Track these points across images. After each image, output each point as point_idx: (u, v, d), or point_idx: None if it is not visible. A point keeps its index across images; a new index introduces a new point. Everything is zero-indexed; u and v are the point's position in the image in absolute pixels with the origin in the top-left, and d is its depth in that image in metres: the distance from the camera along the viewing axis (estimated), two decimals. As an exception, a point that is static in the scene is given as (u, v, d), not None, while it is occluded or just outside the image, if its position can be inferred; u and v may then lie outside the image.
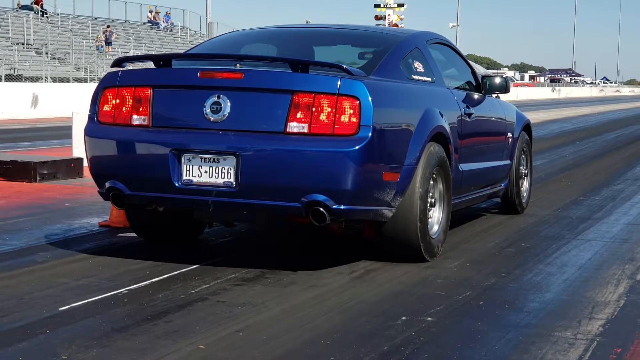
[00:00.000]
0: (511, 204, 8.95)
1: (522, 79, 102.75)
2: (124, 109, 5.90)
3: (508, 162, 8.57)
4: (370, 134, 5.52)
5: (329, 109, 5.46)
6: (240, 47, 7.13)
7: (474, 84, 7.95)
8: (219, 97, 5.67)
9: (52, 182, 10.72)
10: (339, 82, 5.50)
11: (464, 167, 7.28)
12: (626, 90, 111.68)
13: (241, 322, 5.04)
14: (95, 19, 46.55)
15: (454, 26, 79.52)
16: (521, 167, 9.06)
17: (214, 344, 4.63)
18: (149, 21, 48.91)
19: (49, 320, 5.00)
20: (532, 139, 9.63)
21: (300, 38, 7.35)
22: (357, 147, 5.48)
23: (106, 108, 5.99)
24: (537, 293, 5.87)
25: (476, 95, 7.78)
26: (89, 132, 6.15)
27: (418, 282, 6.11)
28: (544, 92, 75.79)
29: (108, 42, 40.48)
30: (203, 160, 5.75)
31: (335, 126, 5.48)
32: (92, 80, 34.10)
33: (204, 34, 51.01)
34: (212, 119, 5.71)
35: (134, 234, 7.44)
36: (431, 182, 6.47)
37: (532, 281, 6.19)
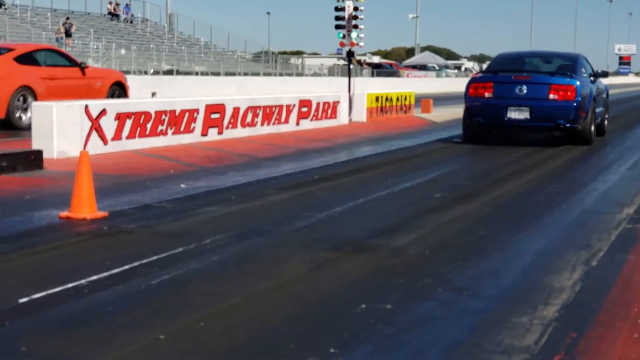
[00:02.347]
0: (603, 128, 18.01)
1: (481, 69, 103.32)
2: (480, 91, 15.26)
3: (602, 108, 17.82)
4: (579, 100, 14.73)
5: (566, 91, 14.65)
6: (516, 62, 16.74)
7: (593, 73, 17.09)
8: (521, 86, 14.92)
9: (11, 175, 10.63)
10: (568, 79, 14.98)
11: (593, 100, 15.91)
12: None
13: (201, 311, 5.07)
14: (55, 10, 46.05)
15: (413, 17, 79.79)
16: (606, 113, 18.81)
17: (174, 334, 4.65)
18: (109, 13, 48.46)
19: (9, 312, 4.99)
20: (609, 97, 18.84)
21: (533, 57, 17.87)
22: (574, 105, 14.69)
23: (471, 90, 15.49)
24: (495, 279, 5.96)
25: (594, 79, 16.80)
26: (467, 100, 15.67)
27: (378, 271, 6.17)
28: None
29: (68, 34, 40.04)
30: (515, 109, 14.89)
31: (568, 96, 14.71)
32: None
33: (164, 26, 50.72)
34: (519, 95, 14.92)
35: (94, 226, 7.45)
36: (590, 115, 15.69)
37: (490, 268, 6.28)
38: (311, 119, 19.74)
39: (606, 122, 18.42)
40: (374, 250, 6.83)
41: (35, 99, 16.43)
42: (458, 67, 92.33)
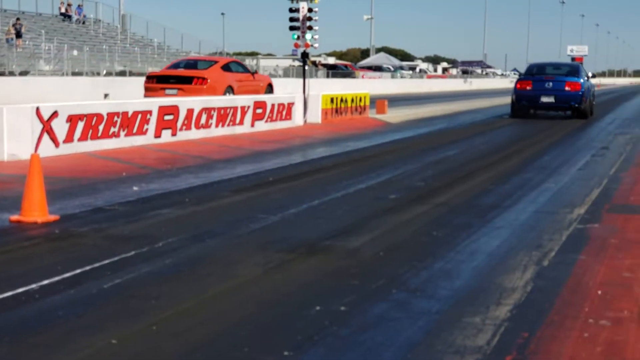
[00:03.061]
0: (592, 109, 27.18)
1: (435, 70, 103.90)
2: (524, 85, 25.70)
3: (593, 96, 27.72)
4: (582, 91, 25.00)
5: (575, 85, 25.16)
6: (541, 69, 27.05)
7: (587, 76, 26.80)
8: (549, 82, 25.22)
9: (-40, 178, 10.46)
10: (576, 79, 25.41)
11: (589, 92, 26.05)
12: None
13: (155, 315, 5.03)
14: (5, 11, 45.35)
15: (368, 18, 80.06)
16: (594, 100, 28.42)
17: (127, 339, 4.61)
18: (60, 14, 47.85)
19: (-42, 318, 4.91)
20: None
21: (551, 66, 27.90)
22: (580, 93, 24.95)
23: (518, 86, 25.94)
24: (448, 280, 6.00)
25: (589, 79, 26.97)
26: (515, 91, 25.98)
27: (332, 272, 6.18)
28: (457, 84, 76.86)
29: (19, 35, 39.46)
30: (546, 96, 25.09)
31: (576, 88, 25.02)
32: (2, 74, 33.23)
33: (117, 26, 50.20)
34: (547, 88, 25.17)
35: (45, 229, 7.37)
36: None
37: (443, 269, 6.32)
38: (266, 121, 19.72)
39: (593, 106, 28.32)
40: (329, 251, 6.84)
41: (233, 94, 23.46)
42: (413, 68, 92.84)
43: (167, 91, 22.61)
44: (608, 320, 5.07)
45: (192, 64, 24.88)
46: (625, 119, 26.39)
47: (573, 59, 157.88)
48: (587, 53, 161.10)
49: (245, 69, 26.34)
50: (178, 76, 23.50)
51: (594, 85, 29.68)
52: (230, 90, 23.83)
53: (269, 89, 27.00)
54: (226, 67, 24.74)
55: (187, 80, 23.20)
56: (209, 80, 23.20)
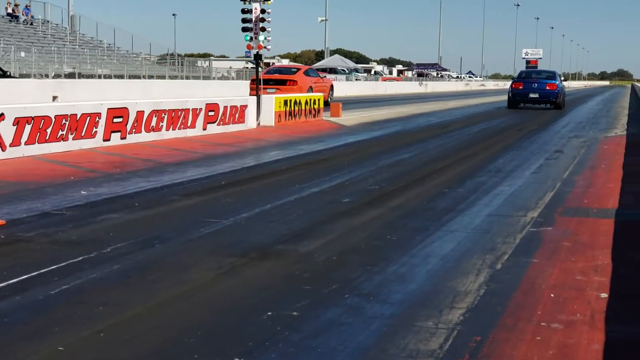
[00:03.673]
0: (564, 103, 36.72)
1: (391, 73, 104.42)
2: (517, 85, 35.99)
3: (564, 94, 37.49)
4: (558, 90, 35.18)
5: (553, 85, 35.31)
6: (529, 74, 37.77)
7: (561, 79, 38.02)
8: (535, 83, 35.40)
9: None
10: (554, 81, 35.69)
11: (562, 91, 36.54)
12: (491, 84, 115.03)
13: (102, 322, 4.92)
14: (-49, 11, 44.64)
15: (322, 20, 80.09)
16: (565, 97, 38.09)
17: (74, 345, 4.50)
18: (7, 14, 47.10)
19: None
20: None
21: (535, 72, 39.40)
22: (557, 91, 35.07)
23: (514, 85, 36.33)
24: (401, 284, 5.95)
25: (562, 82, 38.22)
26: (511, 89, 36.16)
27: (285, 277, 6.10)
28: (412, 87, 77.24)
29: (-35, 35, 38.81)
30: (533, 93, 35.04)
31: (554, 88, 35.14)
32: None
33: (66, 27, 49.57)
34: (534, 87, 35.24)
35: (-10, 234, 7.17)
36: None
37: (397, 273, 6.28)
38: (218, 123, 19.57)
39: (564, 101, 37.71)
40: (281, 256, 6.76)
41: (312, 92, 30.22)
42: (368, 71, 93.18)
43: (268, 90, 28.29)
44: (560, 324, 5.06)
45: (283, 71, 33.76)
46: (579, 122, 26.69)
47: (528, 62, 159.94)
48: (542, 56, 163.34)
49: (317, 74, 35.21)
50: (276, 79, 31.22)
51: (565, 86, 41.65)
52: (310, 89, 31.53)
53: (331, 88, 36.80)
54: (306, 73, 33.53)
55: (282, 82, 31.15)
56: (298, 82, 31.46)
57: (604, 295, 5.71)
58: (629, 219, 8.66)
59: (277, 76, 32.02)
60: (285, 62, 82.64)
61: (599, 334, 4.89)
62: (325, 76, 38.51)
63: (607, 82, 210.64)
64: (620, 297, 5.68)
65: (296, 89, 30.26)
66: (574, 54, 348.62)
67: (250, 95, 25.70)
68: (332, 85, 37.01)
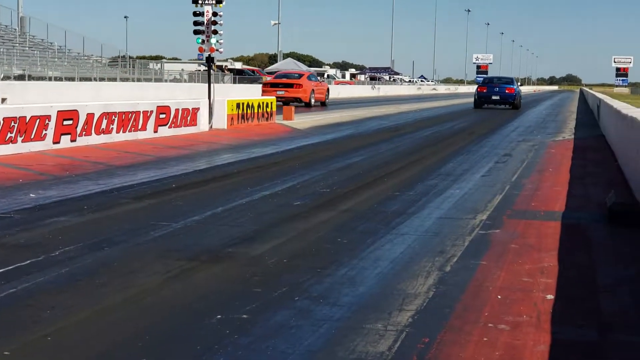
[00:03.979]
0: (520, 104, 43.02)
1: (344, 77, 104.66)
2: (482, 89, 42.60)
3: (520, 97, 43.96)
4: (515, 93, 41.79)
5: (511, 90, 41.86)
6: (492, 79, 45.22)
7: (518, 84, 45.95)
8: (497, 87, 42.08)
9: None
10: (512, 85, 42.82)
11: (519, 94, 43.87)
12: (442, 89, 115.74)
13: (50, 326, 4.87)
14: None
15: (275, 24, 79.97)
16: (521, 99, 44.99)
17: (20, 350, 4.46)
18: (-45, 15, 46.23)
19: None
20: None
21: (497, 78, 46.48)
22: (514, 94, 41.59)
23: (479, 89, 43.02)
24: (351, 287, 5.98)
25: (519, 86, 45.83)
26: (477, 92, 42.84)
27: (235, 280, 6.10)
28: (365, 90, 77.45)
29: None
30: (495, 96, 41.63)
31: (512, 91, 41.58)
32: None
33: (15, 29, 48.83)
34: (495, 91, 41.89)
35: None
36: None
37: (347, 276, 6.30)
38: (170, 126, 19.47)
39: (520, 102, 43.70)
40: (232, 259, 6.75)
41: (314, 94, 38.32)
42: (321, 74, 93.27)
43: (278, 92, 36.44)
44: (507, 325, 5.13)
45: (289, 76, 39.75)
46: (528, 127, 27.00)
47: (478, 67, 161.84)
48: (492, 61, 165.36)
49: (317, 79, 41.91)
50: (284, 83, 38.00)
51: (521, 90, 47.98)
52: (312, 92, 38.30)
53: (328, 91, 41.91)
54: (309, 78, 39.62)
55: (290, 85, 37.81)
56: (302, 85, 37.86)
57: (550, 296, 5.79)
58: (575, 222, 8.79)
59: (284, 80, 38.34)
60: (239, 65, 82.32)
61: (544, 335, 4.97)
62: (323, 81, 46.45)
63: (556, 87, 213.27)
64: (566, 298, 5.77)
65: (301, 91, 37.40)
66: (524, 59, 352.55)
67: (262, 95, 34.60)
68: (328, 89, 42.27)
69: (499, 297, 5.76)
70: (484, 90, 42.31)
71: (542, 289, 6.00)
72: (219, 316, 5.14)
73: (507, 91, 41.69)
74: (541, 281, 6.22)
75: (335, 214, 9.08)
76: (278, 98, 33.35)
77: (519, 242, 7.64)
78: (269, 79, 44.12)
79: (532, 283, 6.17)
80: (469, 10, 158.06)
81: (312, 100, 38.02)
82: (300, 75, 39.65)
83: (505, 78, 45.87)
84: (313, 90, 38.35)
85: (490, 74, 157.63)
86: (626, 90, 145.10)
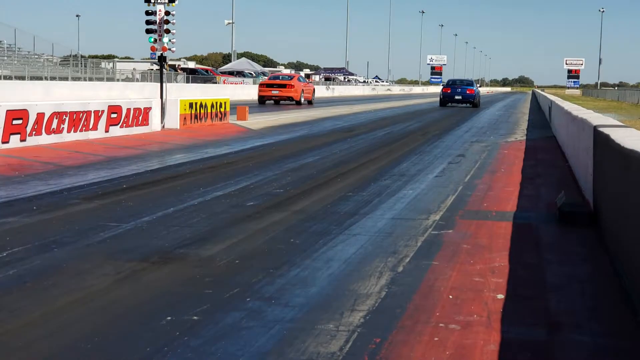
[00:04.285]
0: (478, 104, 48.42)
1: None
2: (446, 90, 48.33)
3: (479, 97, 50.12)
4: (475, 94, 47.05)
5: (472, 90, 47.25)
6: (455, 81, 50.72)
7: (477, 85, 51.82)
8: (459, 88, 47.60)
9: None
10: (472, 86, 48.35)
11: (478, 94, 49.04)
12: (397, 89, 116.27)
13: (-5, 329, 4.77)
14: None
15: (229, 23, 79.68)
16: (480, 99, 51.10)
17: (-37, 354, 4.36)
18: None
19: None
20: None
21: (459, 79, 52.26)
22: (474, 94, 47.03)
23: (444, 90, 49.04)
24: (303, 288, 5.96)
25: (479, 87, 52.63)
26: (442, 92, 48.86)
27: (185, 282, 6.04)
28: (319, 91, 77.57)
29: None
30: (457, 96, 47.15)
31: (472, 92, 46.92)
32: None
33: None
34: (458, 92, 47.27)
35: None
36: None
37: (299, 276, 6.28)
38: (121, 126, 19.28)
39: (480, 102, 49.45)
40: (183, 260, 6.69)
41: (304, 94, 43.09)
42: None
43: (273, 91, 42.76)
44: (458, 325, 5.15)
45: (283, 77, 45.94)
46: (481, 128, 27.21)
47: (433, 68, 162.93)
48: (446, 62, 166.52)
49: (305, 80, 48.21)
50: (278, 84, 43.27)
51: (480, 91, 54.54)
52: (302, 91, 43.53)
53: (314, 92, 46.75)
54: (299, 79, 45.17)
55: (283, 85, 42.98)
56: (294, 86, 42.90)
57: (501, 296, 5.83)
58: (526, 222, 8.87)
59: (278, 81, 44.02)
60: (192, 64, 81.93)
61: (495, 334, 4.99)
62: (310, 82, 54.21)
63: (509, 89, 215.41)
64: (516, 298, 5.81)
65: (292, 91, 42.77)
66: (478, 61, 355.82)
67: (259, 95, 42.95)
68: (314, 89, 47.46)
69: (450, 297, 5.78)
70: (448, 91, 47.93)
71: (493, 288, 6.04)
72: (169, 318, 5.08)
73: (468, 92, 47.13)
74: (492, 281, 6.25)
75: (288, 214, 9.06)
76: (272, 97, 42.76)
77: (471, 243, 7.68)
78: (265, 79, 49.92)
79: (483, 283, 6.20)
80: (423, 12, 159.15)
81: (302, 99, 43.27)
82: (292, 77, 45.53)
83: (467, 80, 51.47)
84: (303, 90, 43.57)
85: (445, 75, 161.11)
86: (577, 92, 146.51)
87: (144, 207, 9.15)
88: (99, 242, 7.31)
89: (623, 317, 5.44)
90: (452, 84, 49.52)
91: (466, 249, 7.41)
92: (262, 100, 42.60)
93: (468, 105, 47.25)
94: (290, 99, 42.61)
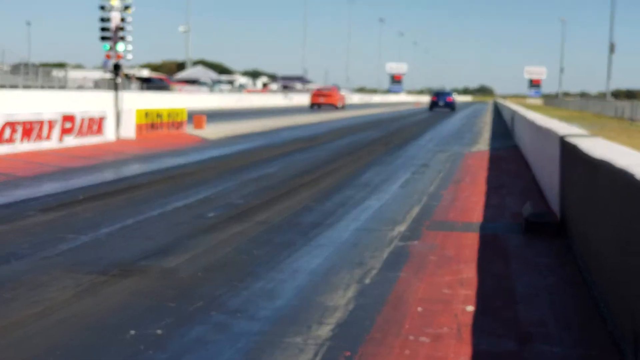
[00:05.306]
0: (455, 108, 68.35)
1: (255, 85, 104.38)
2: (433, 99, 67.61)
3: (455, 103, 69.51)
4: (453, 100, 67.27)
5: (451, 98, 67.52)
6: (439, 91, 73.45)
7: (453, 95, 73.67)
8: (442, 96, 68.34)
9: None
10: (451, 95, 69.98)
11: (455, 101, 69.33)
12: (356, 98, 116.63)
13: (-50, 346, 4.58)
14: None
15: (184, 31, 79.30)
16: (456, 104, 71.02)
17: None
18: None
19: None
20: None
21: (441, 91, 75.00)
22: (452, 101, 66.86)
23: (432, 98, 68.47)
24: (269, 300, 5.82)
25: (454, 96, 71.36)
26: (431, 100, 67.91)
27: (148, 294, 5.87)
28: (277, 99, 77.40)
29: None
30: (441, 103, 66.19)
31: (451, 100, 67.05)
32: None
33: None
34: (441, 99, 66.99)
35: None
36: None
37: (264, 289, 6.14)
38: (76, 135, 18.96)
39: (456, 107, 68.70)
40: (144, 272, 6.52)
41: (343, 103, 63.24)
42: (231, 82, 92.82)
43: (320, 99, 59.48)
44: (428, 337, 5.06)
45: (325, 89, 62.77)
46: (444, 137, 27.28)
47: (392, 76, 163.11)
48: (406, 71, 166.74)
49: (340, 90, 64.99)
50: (323, 94, 60.20)
51: (456, 99, 73.03)
52: (339, 99, 59.97)
53: (345, 99, 63.34)
54: (337, 89, 62.58)
55: (326, 95, 59.89)
56: (334, 95, 59.62)
57: (470, 308, 5.75)
58: (492, 232, 8.82)
59: (323, 92, 61.33)
60: (146, 73, 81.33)
61: (465, 346, 4.91)
62: (343, 91, 75.86)
63: (469, 98, 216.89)
64: (486, 309, 5.73)
65: (333, 99, 59.72)
66: (438, 70, 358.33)
67: (311, 101, 60.76)
68: (344, 96, 65.22)
69: (420, 309, 5.69)
70: (435, 99, 67.05)
71: (462, 300, 5.96)
72: (133, 331, 4.92)
73: (447, 100, 66.62)
74: (461, 292, 6.17)
75: (251, 225, 8.91)
76: (319, 103, 59.80)
77: (438, 254, 7.60)
78: (314, 89, 69.43)
79: (452, 294, 6.12)
80: (382, 20, 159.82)
81: (339, 105, 60.51)
82: (331, 89, 64.06)
83: (447, 92, 73.28)
84: (339, 98, 60.97)
85: (405, 84, 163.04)
86: (539, 101, 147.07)
87: (102, 219, 8.95)
88: (57, 255, 7.10)
89: (593, 326, 5.38)
90: (437, 94, 69.48)
91: (433, 260, 7.33)
92: (312, 105, 60.41)
93: (448, 109, 66.05)
94: (331, 105, 59.84)
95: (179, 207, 9.99)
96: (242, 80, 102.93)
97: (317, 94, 61.47)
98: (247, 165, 15.64)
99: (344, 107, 61.94)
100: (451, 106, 66.22)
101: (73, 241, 7.68)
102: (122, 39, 21.74)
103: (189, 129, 25.33)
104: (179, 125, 24.81)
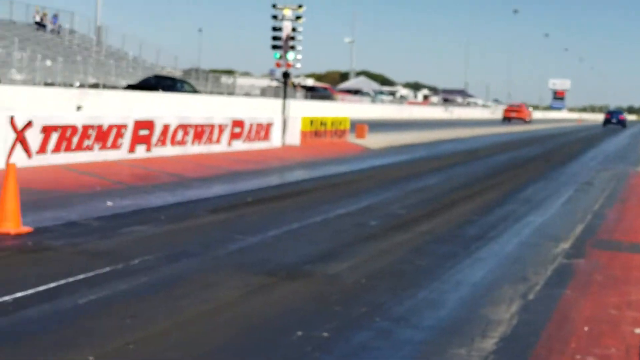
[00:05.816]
0: (626, 125, 75.49)
1: (416, 97, 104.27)
2: (607, 115, 76.86)
3: (626, 120, 76.40)
4: (624, 118, 74.79)
5: (623, 116, 74.98)
6: (611, 111, 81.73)
7: (625, 113, 78.21)
8: (615, 114, 74.80)
9: None
10: (623, 114, 73.61)
11: (626, 119, 76.77)
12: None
13: (131, 334, 4.84)
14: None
15: (349, 41, 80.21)
16: (626, 121, 78.96)
17: (103, 356, 4.43)
18: (35, 22, 47.15)
19: None
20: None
21: (614, 110, 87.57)
22: (624, 119, 74.30)
23: (605, 115, 79.52)
24: (432, 310, 5.84)
25: (625, 114, 75.72)
26: (604, 117, 75.86)
27: (314, 298, 6.00)
28: (437, 112, 77.09)
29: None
30: (614, 119, 72.97)
31: (623, 117, 74.05)
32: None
33: (92, 38, 49.67)
34: (614, 117, 73.99)
35: (18, 241, 7.15)
36: None
37: (427, 298, 6.16)
38: (244, 140, 19.55)
39: (626, 123, 74.55)
40: (309, 276, 6.67)
41: (528, 118, 76.60)
42: (393, 94, 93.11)
43: (512, 114, 73.19)
44: (595, 357, 4.94)
45: (515, 105, 77.68)
46: (607, 155, 26.44)
47: (555, 92, 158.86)
48: (570, 87, 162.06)
49: (528, 107, 77.99)
50: (515, 110, 74.08)
51: (627, 117, 72.72)
52: (528, 115, 73.86)
53: (531, 114, 76.11)
54: (525, 106, 76.54)
55: (517, 111, 73.24)
56: (523, 111, 73.36)
57: (639, 330, 5.58)
58: (661, 255, 8.50)
59: (514, 108, 72.33)
60: (310, 82, 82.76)
61: (635, 369, 4.77)
62: (529, 107, 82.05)
63: (634, 117, 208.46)
64: (657, 333, 5.54)
65: (523, 114, 71.34)
66: (602, 87, 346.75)
67: (504, 117, 73.06)
68: (531, 112, 76.28)
69: (586, 328, 5.56)
70: (609, 117, 72.83)
71: (630, 322, 5.79)
72: (300, 333, 5.05)
73: (620, 117, 71.76)
74: (629, 314, 5.99)
75: (413, 235, 8.94)
76: (511, 117, 71.08)
77: (604, 273, 7.40)
78: (505, 106, 79.94)
79: (620, 316, 5.95)
80: (547, 35, 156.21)
81: (528, 119, 71.26)
82: (520, 105, 75.64)
83: (619, 110, 77.44)
84: (527, 113, 71.16)
85: (568, 101, 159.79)
86: None
87: (269, 222, 9.20)
88: (226, 255, 7.36)
89: None
90: (610, 112, 75.47)
91: (599, 280, 7.14)
92: (504, 119, 71.15)
93: (620, 125, 70.43)
94: (522, 119, 70.85)
95: (342, 214, 10.14)
96: (403, 91, 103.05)
97: (509, 109, 74.37)
98: (408, 175, 15.68)
99: (530, 121, 72.64)
100: (622, 123, 71.45)
101: (241, 242, 7.94)
102: (292, 48, 22.24)
103: (351, 138, 25.61)
104: (341, 133, 25.14)
